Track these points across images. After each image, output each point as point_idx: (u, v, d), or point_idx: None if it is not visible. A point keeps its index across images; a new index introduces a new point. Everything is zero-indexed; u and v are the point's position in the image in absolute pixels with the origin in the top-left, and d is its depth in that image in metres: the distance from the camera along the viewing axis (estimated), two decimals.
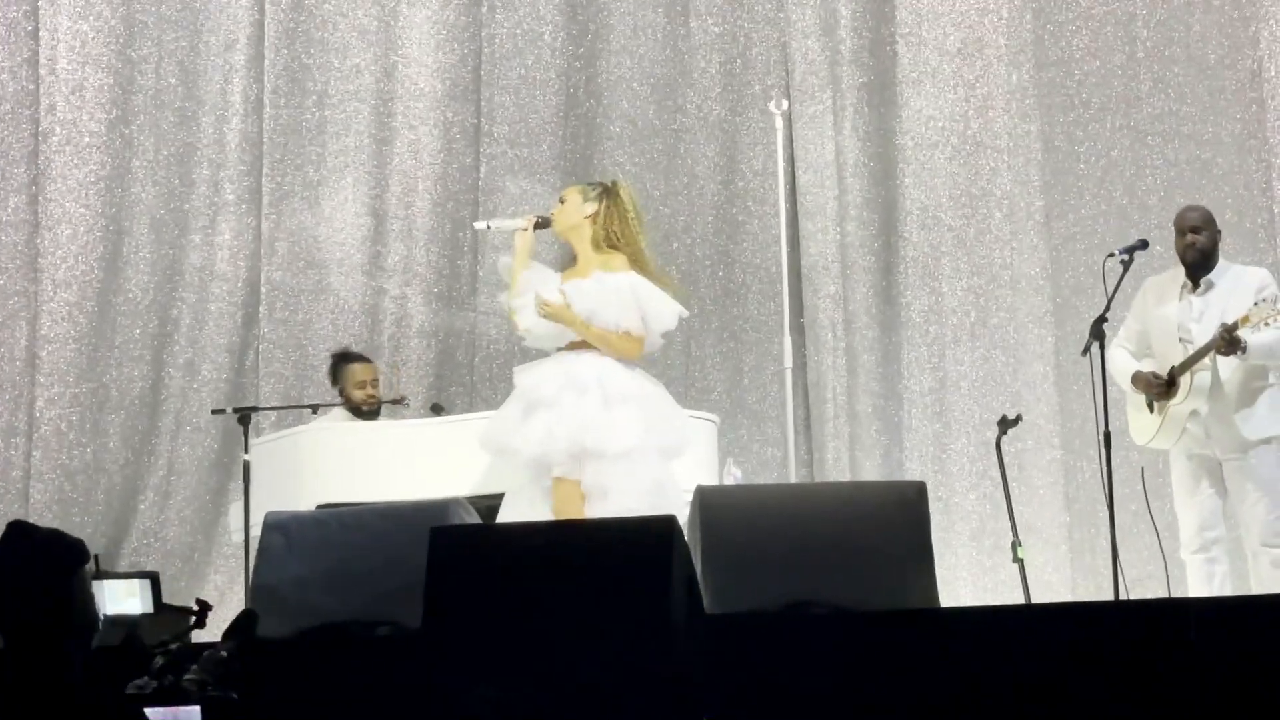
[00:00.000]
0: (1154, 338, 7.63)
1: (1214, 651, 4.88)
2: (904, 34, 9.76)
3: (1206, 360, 7.33)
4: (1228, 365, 7.35)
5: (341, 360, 8.98)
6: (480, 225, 7.45)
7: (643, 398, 6.63)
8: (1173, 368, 7.44)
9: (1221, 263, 7.58)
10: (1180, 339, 7.47)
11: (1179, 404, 7.43)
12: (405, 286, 9.99)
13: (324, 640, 5.41)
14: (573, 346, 6.70)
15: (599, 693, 4.42)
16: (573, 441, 6.46)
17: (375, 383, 8.87)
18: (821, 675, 4.95)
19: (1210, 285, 7.51)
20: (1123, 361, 7.71)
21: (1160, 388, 7.49)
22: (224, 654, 4.34)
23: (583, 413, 6.50)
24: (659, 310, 6.73)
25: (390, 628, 5.37)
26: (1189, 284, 7.55)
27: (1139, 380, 7.59)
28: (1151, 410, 7.57)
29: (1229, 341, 7.18)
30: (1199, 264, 7.52)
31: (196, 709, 4.20)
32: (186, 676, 4.26)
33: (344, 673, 5.21)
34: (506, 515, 6.63)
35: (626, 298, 6.65)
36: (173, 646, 4.35)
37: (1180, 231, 7.58)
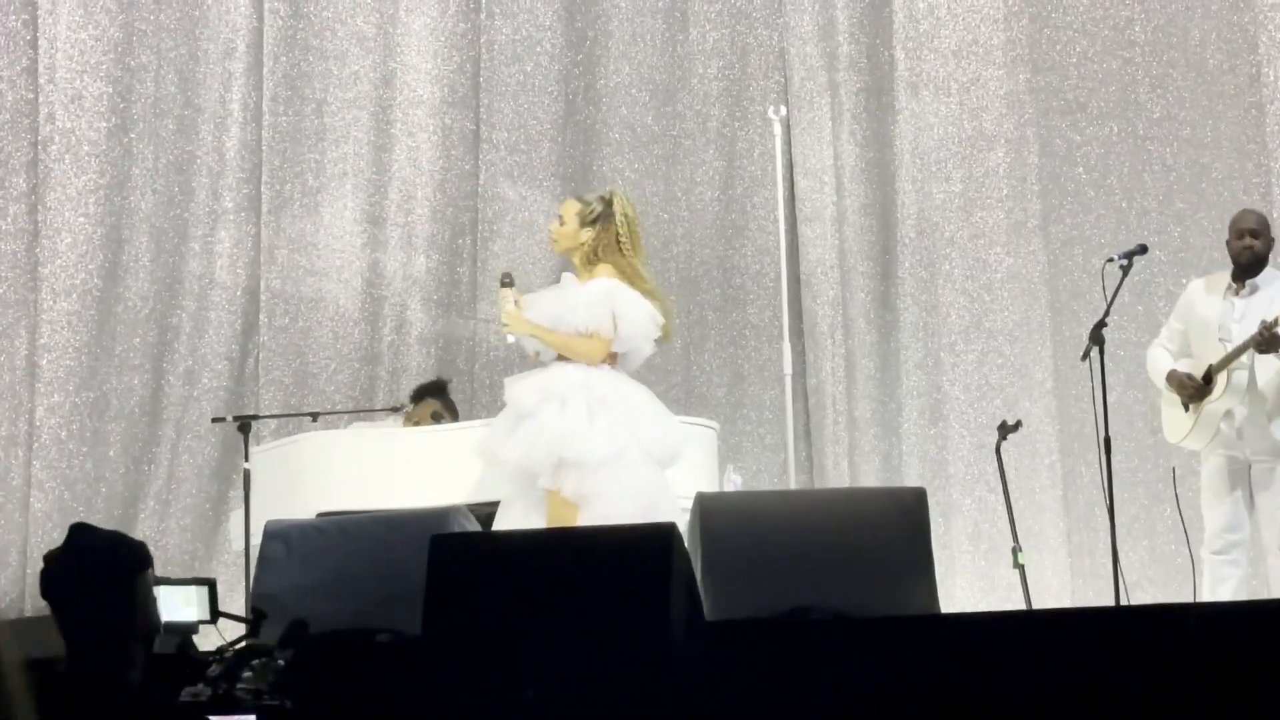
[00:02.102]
0: (1193, 338, 7.65)
1: (1216, 656, 4.88)
2: (901, 39, 9.76)
3: (1244, 359, 7.36)
4: (1266, 367, 7.37)
5: (435, 394, 8.97)
6: (510, 339, 7.19)
7: (627, 405, 6.64)
8: (1210, 366, 7.46)
9: (1269, 269, 7.61)
10: (1220, 339, 7.49)
11: (1214, 402, 7.45)
12: (405, 294, 9.99)
13: (324, 647, 5.41)
14: (563, 358, 6.73)
15: (599, 700, 4.42)
16: (550, 453, 6.47)
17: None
18: (822, 681, 4.95)
19: (1255, 289, 7.54)
20: (1161, 360, 7.73)
21: (1193, 389, 7.50)
22: (280, 662, 4.35)
23: (563, 424, 6.51)
24: (632, 316, 6.72)
25: (390, 635, 5.38)
26: (1234, 286, 7.57)
27: (1173, 379, 7.60)
28: (1186, 409, 7.58)
29: (1268, 339, 7.20)
30: (1251, 267, 7.55)
31: (252, 718, 4.21)
32: (240, 685, 4.27)
33: (344, 680, 5.21)
34: (499, 525, 6.65)
35: (599, 300, 6.67)
36: (227, 654, 4.36)
37: (1238, 234, 7.59)
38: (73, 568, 3.77)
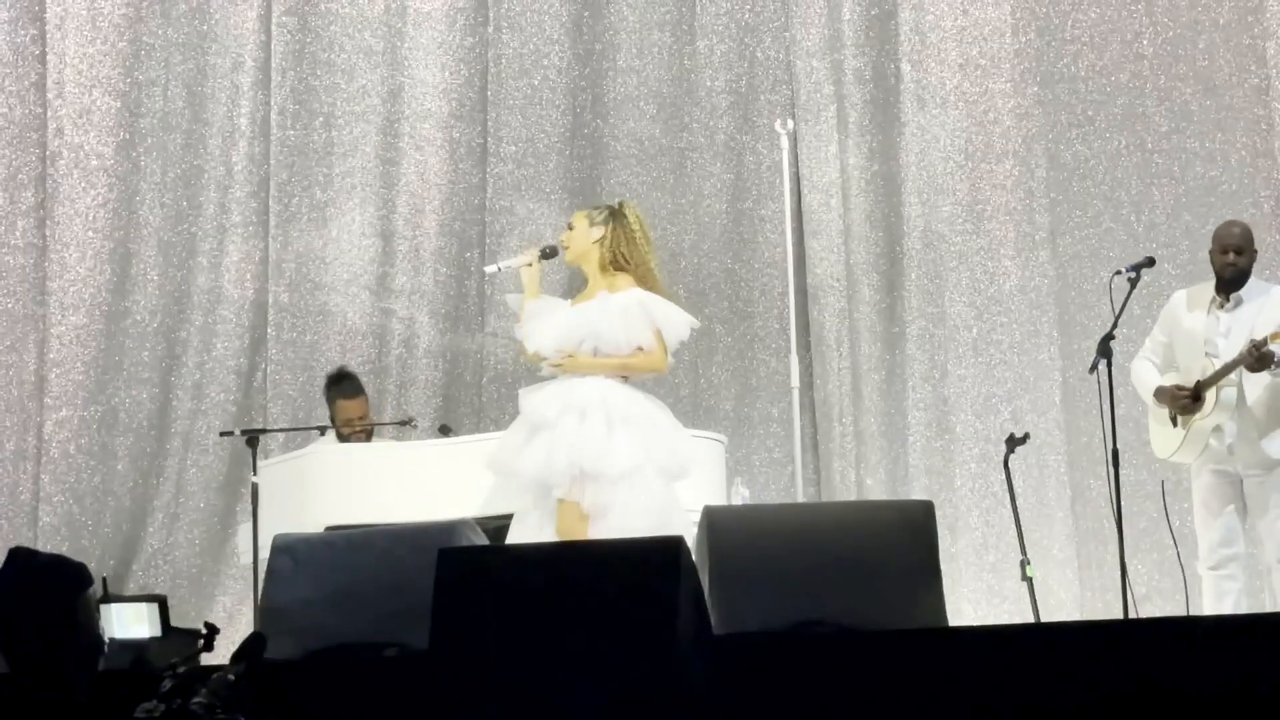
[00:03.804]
0: (1179, 351, 7.64)
1: (1223, 670, 4.87)
2: (907, 52, 9.77)
3: (1233, 376, 7.35)
4: (1255, 383, 7.36)
5: (333, 387, 9.03)
6: (490, 269, 7.57)
7: (644, 419, 6.64)
8: (1199, 381, 7.45)
9: (1252, 280, 7.60)
10: (1206, 353, 7.48)
11: (1203, 419, 7.44)
12: (413, 308, 9.99)
13: (332, 661, 5.42)
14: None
15: (606, 714, 4.41)
16: (571, 464, 6.47)
17: (363, 416, 8.90)
18: (829, 695, 4.94)
19: (1239, 302, 7.53)
20: (1147, 374, 7.72)
21: (1185, 401, 7.48)
22: (231, 677, 4.34)
23: (583, 435, 6.51)
24: (671, 320, 6.74)
25: (398, 649, 5.37)
26: (1218, 299, 7.57)
27: (1163, 394, 7.59)
28: (1175, 424, 7.57)
29: (1259, 357, 7.19)
30: (1234, 282, 7.54)
31: None
32: (194, 700, 4.25)
33: (351, 694, 5.21)
34: (514, 538, 6.64)
35: (634, 313, 6.66)
36: (180, 669, 4.35)
37: (1223, 249, 7.58)
38: (12, 591, 3.79)
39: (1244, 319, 7.46)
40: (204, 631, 4.49)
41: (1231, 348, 7.37)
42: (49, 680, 3.72)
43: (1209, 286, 7.65)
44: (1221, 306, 7.56)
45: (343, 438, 8.83)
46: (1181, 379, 7.57)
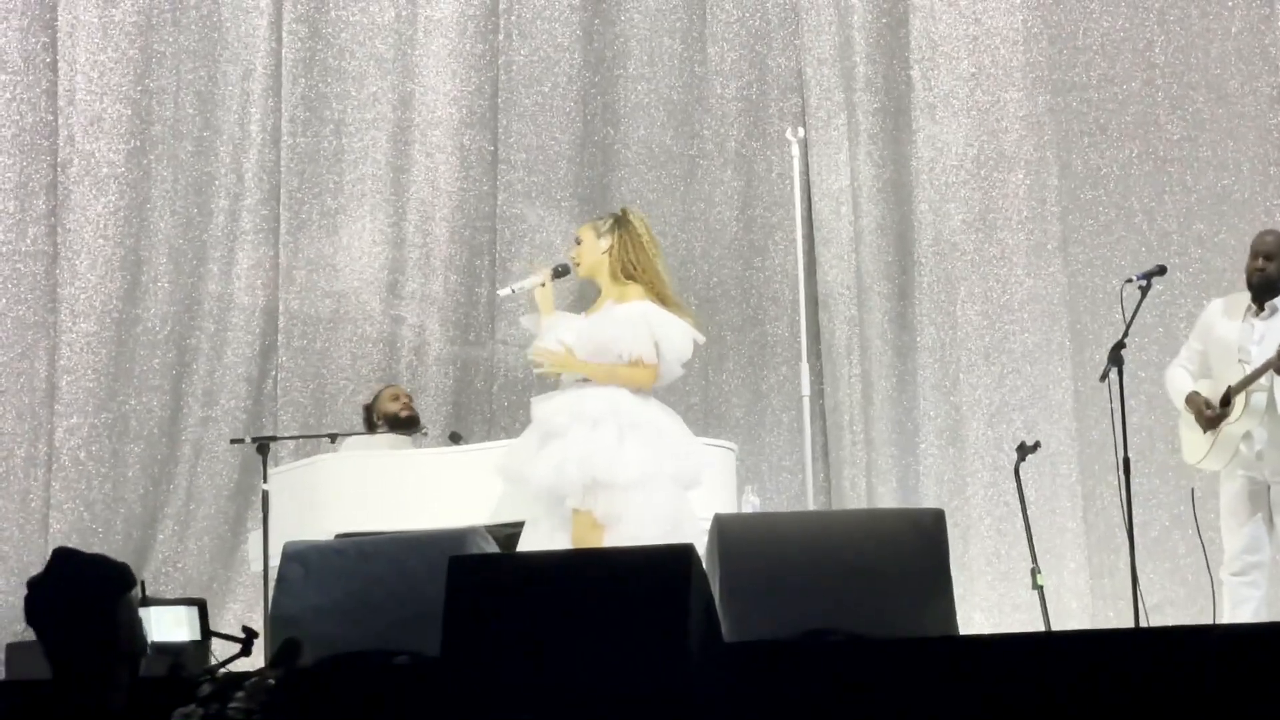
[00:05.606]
0: (1213, 359, 7.65)
1: (1236, 679, 4.85)
2: (918, 60, 9.76)
3: (1263, 381, 7.35)
4: None
5: (372, 401, 9.13)
6: (504, 291, 7.55)
7: (655, 427, 6.63)
8: (1229, 387, 7.45)
9: None
10: (1239, 360, 7.49)
11: (1233, 424, 7.45)
12: (423, 315, 10.00)
13: (343, 669, 5.41)
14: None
15: None
16: (583, 473, 6.46)
17: (409, 394, 9.03)
18: (840, 703, 4.93)
19: (1275, 310, 7.54)
20: (1180, 381, 7.74)
21: (1210, 417, 7.49)
22: (270, 682, 4.34)
23: (594, 444, 6.51)
24: (672, 336, 6.72)
25: (409, 657, 5.37)
26: (1253, 307, 7.57)
27: (1192, 402, 7.60)
28: (1205, 430, 7.56)
29: None
30: (1264, 289, 7.55)
31: None
32: (232, 705, 4.25)
33: (362, 702, 5.20)
34: (525, 546, 6.64)
35: (638, 325, 6.65)
36: (219, 674, 4.35)
37: (1253, 254, 7.62)
38: (55, 593, 3.80)
39: (1278, 327, 7.47)
40: (242, 636, 4.50)
41: (1264, 355, 7.38)
42: (92, 682, 3.72)
43: (1245, 296, 7.66)
44: (1256, 314, 7.56)
45: (397, 421, 8.85)
46: (1215, 386, 7.57)
